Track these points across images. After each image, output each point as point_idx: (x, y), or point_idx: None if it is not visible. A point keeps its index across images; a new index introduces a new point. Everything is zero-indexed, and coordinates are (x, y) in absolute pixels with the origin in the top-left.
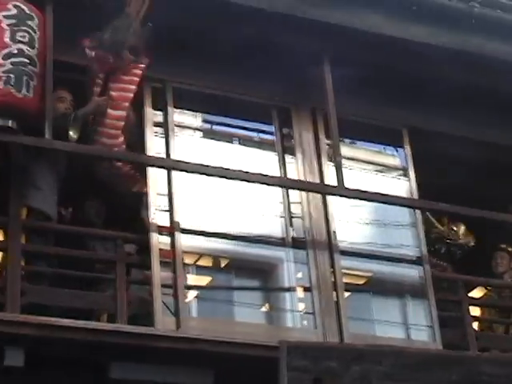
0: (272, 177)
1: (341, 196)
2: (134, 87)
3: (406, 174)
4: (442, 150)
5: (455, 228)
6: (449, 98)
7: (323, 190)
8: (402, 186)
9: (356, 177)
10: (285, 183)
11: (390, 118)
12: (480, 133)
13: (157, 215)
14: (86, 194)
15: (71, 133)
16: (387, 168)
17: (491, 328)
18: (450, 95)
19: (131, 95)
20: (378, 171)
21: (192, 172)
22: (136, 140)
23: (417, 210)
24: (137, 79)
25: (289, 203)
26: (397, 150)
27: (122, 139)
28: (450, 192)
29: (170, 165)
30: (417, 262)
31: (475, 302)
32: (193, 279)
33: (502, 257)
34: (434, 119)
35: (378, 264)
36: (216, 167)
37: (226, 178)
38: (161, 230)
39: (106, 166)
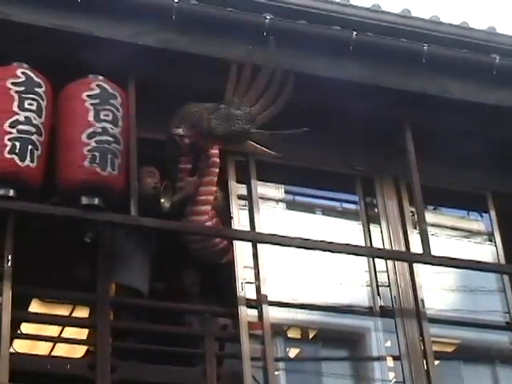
0: (359, 246)
1: (427, 264)
2: (217, 160)
3: (491, 239)
4: None
5: None
6: None
7: (410, 258)
8: (488, 251)
9: (441, 243)
10: (372, 253)
11: (474, 183)
12: None
13: (245, 288)
14: (180, 266)
15: (163, 201)
16: (472, 233)
17: None
18: None
19: (217, 170)
20: (463, 237)
21: (276, 244)
22: (223, 214)
23: (504, 276)
24: (217, 152)
25: (375, 272)
26: (481, 215)
27: (210, 214)
28: None
29: (254, 237)
30: (506, 327)
31: None
32: (282, 351)
33: None
34: None
35: (467, 331)
36: (300, 238)
37: (311, 249)
38: (249, 302)
39: (197, 240)
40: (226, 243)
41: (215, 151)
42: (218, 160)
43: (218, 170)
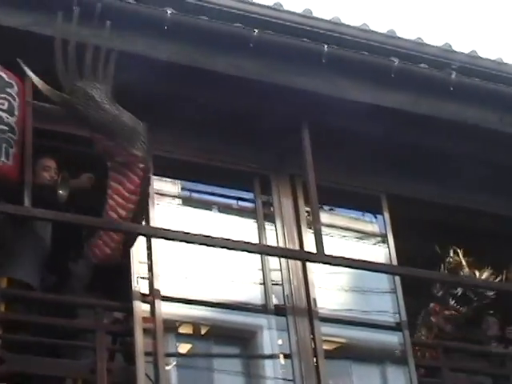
0: (251, 244)
1: (320, 263)
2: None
3: (384, 241)
4: (420, 216)
5: (477, 272)
6: (424, 164)
7: (303, 256)
8: (381, 253)
9: (335, 244)
10: (264, 250)
11: (369, 185)
12: (459, 198)
13: (140, 283)
14: (73, 258)
15: (61, 192)
16: (366, 235)
17: None
18: (425, 162)
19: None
20: (357, 238)
21: (170, 239)
22: None
23: (396, 277)
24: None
25: (268, 270)
26: (375, 217)
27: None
28: (429, 257)
29: (148, 232)
30: (396, 328)
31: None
32: (173, 347)
33: (493, 322)
34: (411, 185)
35: (358, 330)
36: (194, 234)
37: (206, 244)
38: (143, 297)
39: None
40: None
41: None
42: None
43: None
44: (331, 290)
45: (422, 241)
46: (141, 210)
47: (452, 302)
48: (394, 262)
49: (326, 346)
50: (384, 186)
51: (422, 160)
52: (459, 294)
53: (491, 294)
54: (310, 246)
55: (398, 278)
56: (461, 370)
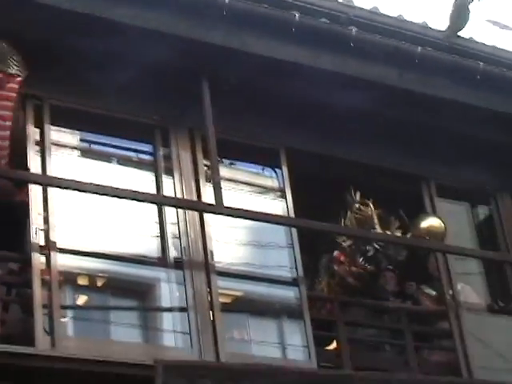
0: (148, 194)
1: (218, 214)
2: (11, 104)
3: (283, 196)
4: (319, 170)
5: (390, 225)
6: (323, 119)
7: (200, 207)
8: (280, 208)
9: (234, 198)
10: (161, 200)
11: (268, 139)
12: (357, 154)
13: (39, 234)
14: None
15: None
16: (266, 189)
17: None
18: (323, 117)
19: (10, 113)
20: (257, 193)
21: (66, 188)
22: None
23: (293, 231)
24: (14, 94)
25: (166, 223)
26: (275, 171)
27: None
28: (329, 212)
29: (44, 181)
30: (293, 283)
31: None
32: (70, 299)
33: (390, 277)
34: (310, 140)
35: (255, 285)
36: (89, 183)
37: (99, 194)
38: (40, 248)
39: None
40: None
41: (8, 93)
42: (9, 103)
43: (10, 112)
44: (229, 244)
45: (321, 196)
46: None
47: (360, 260)
48: (292, 215)
49: (222, 300)
50: (283, 140)
51: (320, 115)
52: (370, 254)
53: (402, 257)
54: (208, 199)
55: (295, 233)
56: (356, 324)
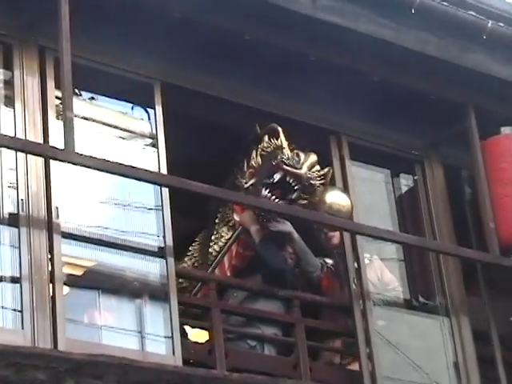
0: None
1: (68, 162)
2: None
3: (154, 144)
4: (203, 114)
5: (301, 156)
6: (210, 49)
7: (46, 152)
8: (150, 159)
9: (92, 143)
10: None
11: (141, 70)
12: (247, 95)
13: None
14: None
15: None
16: (134, 135)
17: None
18: (212, 46)
19: None
20: (123, 138)
21: None
22: None
23: (164, 191)
24: None
25: (2, 168)
26: (147, 112)
27: None
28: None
29: None
30: (158, 253)
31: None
32: None
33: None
34: (194, 74)
35: (111, 253)
36: None
37: None
38: None
39: None
40: None
41: None
42: None
43: None
44: (80, 200)
45: (205, 146)
46: None
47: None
48: (164, 171)
49: (67, 270)
50: (159, 73)
51: (211, 45)
52: (275, 181)
53: (317, 182)
54: (57, 142)
55: (166, 192)
56: (235, 313)
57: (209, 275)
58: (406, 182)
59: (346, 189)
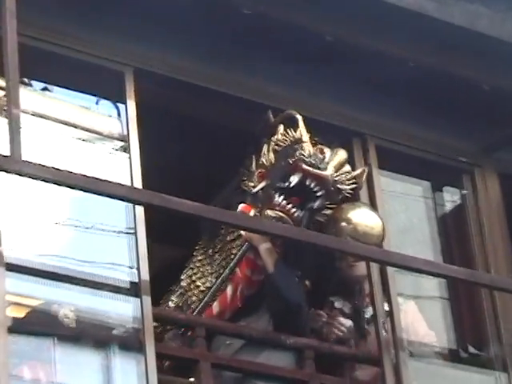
0: None
1: (11, 172)
2: None
3: (126, 148)
4: (184, 108)
5: (326, 152)
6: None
7: None
8: (121, 167)
9: (46, 146)
10: None
11: (110, 53)
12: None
13: None
14: None
15: None
16: (100, 136)
17: None
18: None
19: None
20: (86, 140)
21: None
22: None
23: (138, 209)
24: None
25: None
26: (116, 107)
27: None
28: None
29: None
30: (131, 291)
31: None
32: None
33: None
34: (176, 59)
35: (70, 291)
36: None
37: None
38: None
39: None
40: None
41: None
42: None
43: None
44: (29, 222)
45: (192, 151)
46: None
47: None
48: (138, 184)
49: (13, 313)
50: (132, 57)
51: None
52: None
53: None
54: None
55: (140, 211)
56: (229, 368)
57: (197, 318)
58: (450, 197)
59: (373, 206)
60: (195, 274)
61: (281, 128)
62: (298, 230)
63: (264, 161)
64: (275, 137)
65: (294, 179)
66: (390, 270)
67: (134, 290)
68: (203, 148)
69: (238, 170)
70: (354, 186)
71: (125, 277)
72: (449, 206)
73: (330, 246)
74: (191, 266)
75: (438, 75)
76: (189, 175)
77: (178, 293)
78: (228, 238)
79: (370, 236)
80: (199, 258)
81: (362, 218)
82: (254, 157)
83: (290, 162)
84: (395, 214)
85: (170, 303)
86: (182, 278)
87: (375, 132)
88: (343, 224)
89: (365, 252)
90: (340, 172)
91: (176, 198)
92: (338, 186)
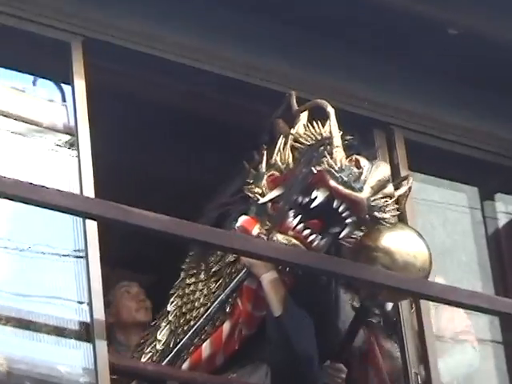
0: None
1: None
2: None
3: (73, 143)
4: (150, 90)
5: (364, 165)
6: None
7: None
8: (67, 169)
9: None
10: None
11: (52, 19)
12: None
13: None
14: None
15: None
16: (39, 128)
17: None
18: None
19: None
20: (20, 134)
21: None
22: None
23: (90, 225)
24: None
25: None
26: (60, 89)
27: None
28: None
29: None
30: (81, 334)
31: None
32: None
33: None
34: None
35: (4, 335)
36: None
37: None
38: None
39: None
40: None
41: None
42: None
43: None
44: None
45: (164, 145)
46: None
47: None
48: (89, 191)
49: None
50: (81, 24)
51: None
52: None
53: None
54: None
55: (93, 228)
56: None
57: (169, 370)
58: (504, 207)
59: (401, 219)
60: (185, 303)
61: (303, 118)
62: (317, 258)
63: (278, 160)
64: (295, 129)
65: (318, 197)
66: (424, 304)
67: (84, 332)
68: (175, 142)
69: (227, 172)
70: (396, 213)
71: (73, 315)
72: (502, 220)
73: (358, 277)
74: (179, 292)
75: (485, 47)
76: (157, 179)
77: (166, 329)
78: (227, 260)
79: (410, 267)
80: (187, 282)
81: (399, 242)
82: (264, 152)
83: (315, 171)
84: (431, 230)
85: (156, 344)
86: (169, 309)
87: (404, 121)
88: (371, 250)
89: (403, 285)
90: (380, 195)
91: (138, 209)
92: (376, 213)
